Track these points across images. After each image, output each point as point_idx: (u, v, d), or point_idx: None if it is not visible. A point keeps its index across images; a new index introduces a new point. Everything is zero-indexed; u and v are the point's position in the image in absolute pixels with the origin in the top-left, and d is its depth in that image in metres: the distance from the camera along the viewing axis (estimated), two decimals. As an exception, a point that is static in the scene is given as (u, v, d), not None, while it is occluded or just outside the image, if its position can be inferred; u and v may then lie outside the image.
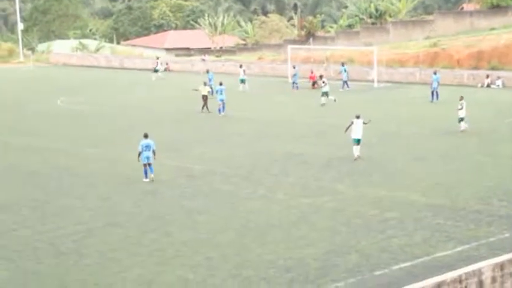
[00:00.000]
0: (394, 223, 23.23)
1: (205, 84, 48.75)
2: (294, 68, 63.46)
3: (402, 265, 19.42)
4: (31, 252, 20.89)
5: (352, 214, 24.35)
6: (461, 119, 39.40)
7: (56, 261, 20.15)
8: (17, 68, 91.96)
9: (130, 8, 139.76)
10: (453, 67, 66.50)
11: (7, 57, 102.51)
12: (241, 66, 64.35)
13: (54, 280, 18.75)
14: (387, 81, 64.90)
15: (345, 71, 61.75)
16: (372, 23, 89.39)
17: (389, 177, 29.66)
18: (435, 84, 52.35)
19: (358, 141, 33.35)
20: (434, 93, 52.15)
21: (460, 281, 17.12)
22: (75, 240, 21.88)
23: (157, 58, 79.89)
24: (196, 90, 49.34)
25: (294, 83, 61.72)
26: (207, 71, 60.34)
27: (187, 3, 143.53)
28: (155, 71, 74.48)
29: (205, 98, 47.98)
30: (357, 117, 33.54)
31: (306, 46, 79.30)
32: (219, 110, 47.16)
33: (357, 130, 33.30)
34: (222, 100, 47.15)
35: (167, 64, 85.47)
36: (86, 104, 54.51)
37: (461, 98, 39.35)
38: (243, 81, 59.59)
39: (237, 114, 47.74)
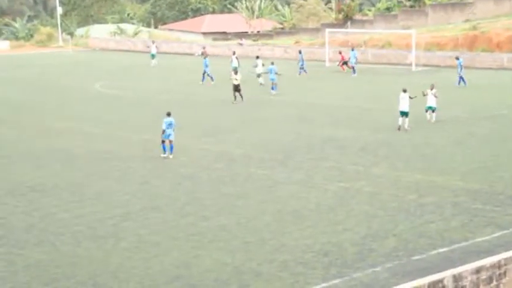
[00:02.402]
0: (432, 208, 23.09)
1: (236, 72, 47.04)
2: (300, 53, 62.06)
3: (440, 250, 19.33)
4: (70, 235, 21.15)
5: (389, 198, 24.25)
6: (432, 109, 37.35)
7: (95, 244, 20.38)
8: (56, 53, 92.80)
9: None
10: (492, 50, 65.62)
11: (46, 41, 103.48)
12: (234, 53, 62.74)
13: (93, 263, 18.97)
14: (425, 65, 64.27)
15: (354, 56, 60.92)
16: (411, 6, 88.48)
17: (426, 161, 29.45)
18: (459, 69, 51.73)
19: (403, 114, 35.26)
20: (460, 78, 51.58)
21: (499, 267, 17.00)
22: (113, 224, 22.10)
23: (153, 42, 78.06)
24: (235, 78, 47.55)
25: (301, 68, 60.32)
26: (204, 57, 59.17)
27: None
28: (153, 56, 72.42)
29: (236, 87, 45.87)
30: (404, 91, 35.55)
31: (343, 30, 78.85)
32: (272, 88, 49.13)
33: (403, 103, 35.24)
34: (272, 80, 49.21)
35: (204, 48, 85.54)
36: (124, 89, 54.85)
37: (433, 87, 37.45)
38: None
39: (274, 98, 47.73)
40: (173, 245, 20.24)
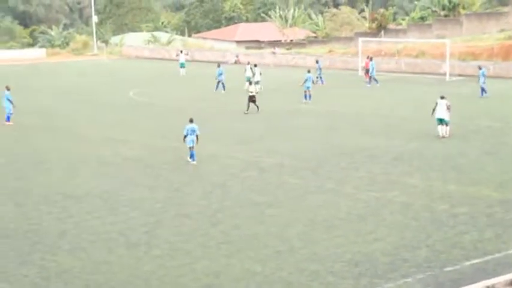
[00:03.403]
0: (465, 218, 22.89)
1: (250, 83, 46.31)
2: (317, 62, 61.05)
3: (474, 261, 19.13)
4: (102, 242, 21.28)
5: (422, 208, 24.09)
6: (446, 122, 35.62)
7: (127, 251, 20.49)
8: (91, 61, 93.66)
9: (201, 1, 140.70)
10: (528, 60, 65.00)
11: (82, 49, 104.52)
12: (248, 63, 61.98)
13: (125, 270, 19.07)
14: (460, 75, 63.82)
15: (373, 67, 59.47)
16: (445, 16, 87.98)
17: (459, 171, 29.21)
18: (481, 80, 50.67)
19: (441, 121, 35.28)
20: (482, 89, 50.65)
21: (533, 279, 16.79)
22: (146, 231, 22.20)
23: (181, 52, 76.81)
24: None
25: (318, 77, 58.79)
26: (218, 65, 58.98)
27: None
28: (182, 65, 71.49)
29: (251, 97, 45.14)
30: (442, 97, 35.60)
31: (377, 39, 78.64)
32: (305, 97, 49.55)
33: (441, 110, 35.26)
34: (308, 88, 49.68)
35: (237, 57, 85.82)
36: (157, 96, 55.18)
37: (443, 97, 35.81)
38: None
39: (305, 107, 47.70)
40: (204, 253, 20.28)
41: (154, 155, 33.46)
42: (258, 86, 53.01)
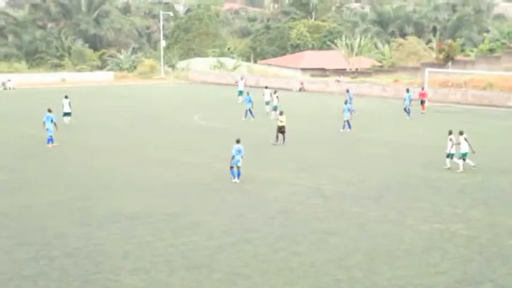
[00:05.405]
0: (530, 255, 22.48)
1: (281, 113, 44.45)
2: (347, 92, 58.97)
3: (538, 299, 18.78)
4: (164, 264, 21.50)
5: (486, 243, 23.72)
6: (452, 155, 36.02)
7: (188, 274, 20.65)
8: (157, 84, 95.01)
9: (268, 27, 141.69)
10: None
11: (149, 73, 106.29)
12: (275, 92, 59.93)
13: (186, 292, 19.22)
14: (528, 108, 62.86)
15: (409, 98, 58.50)
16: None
17: (526, 206, 28.70)
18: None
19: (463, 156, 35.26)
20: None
21: None
22: (207, 255, 22.35)
23: (242, 78, 75.15)
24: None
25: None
26: (247, 93, 57.86)
27: (324, 24, 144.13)
28: (240, 92, 69.97)
29: (280, 128, 43.80)
30: (460, 133, 35.46)
31: (444, 70, 77.99)
32: (343, 126, 49.69)
33: (461, 145, 35.32)
34: (346, 117, 49.72)
35: (302, 84, 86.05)
36: (221, 121, 55.60)
37: (450, 133, 36.17)
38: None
39: (369, 136, 47.49)
40: (264, 279, 20.31)
41: (218, 179, 33.69)
42: (267, 107, 57.21)
